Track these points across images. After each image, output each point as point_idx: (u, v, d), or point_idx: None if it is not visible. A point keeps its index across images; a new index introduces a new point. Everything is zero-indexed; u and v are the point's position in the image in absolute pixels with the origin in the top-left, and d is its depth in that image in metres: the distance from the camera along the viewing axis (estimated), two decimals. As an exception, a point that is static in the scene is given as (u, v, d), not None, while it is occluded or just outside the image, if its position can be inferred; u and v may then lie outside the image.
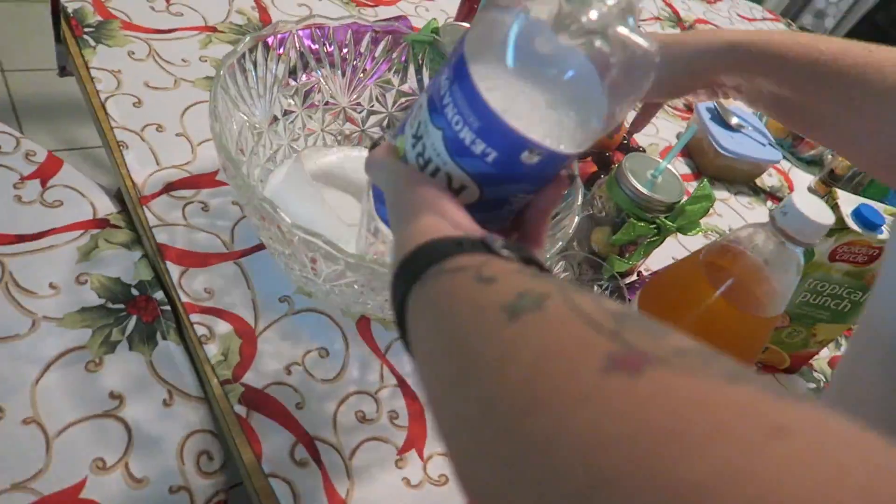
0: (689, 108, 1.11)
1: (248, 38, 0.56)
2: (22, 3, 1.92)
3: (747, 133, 0.98)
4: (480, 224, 0.33)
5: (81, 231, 0.58)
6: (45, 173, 0.61)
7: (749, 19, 1.57)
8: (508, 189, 0.35)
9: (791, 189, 1.05)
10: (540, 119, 0.32)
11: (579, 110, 0.32)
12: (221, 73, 0.52)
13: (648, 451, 0.16)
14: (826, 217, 0.42)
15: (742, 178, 1.00)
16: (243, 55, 0.55)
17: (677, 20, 1.40)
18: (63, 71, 0.86)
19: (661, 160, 0.67)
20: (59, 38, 0.82)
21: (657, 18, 1.37)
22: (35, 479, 0.45)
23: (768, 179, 1.04)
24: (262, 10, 0.87)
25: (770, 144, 0.98)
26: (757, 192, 1.01)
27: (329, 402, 0.54)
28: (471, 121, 0.32)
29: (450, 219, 0.31)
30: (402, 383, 0.57)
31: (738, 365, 0.18)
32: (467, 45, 0.33)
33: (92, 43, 0.72)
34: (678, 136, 1.04)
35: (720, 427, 0.15)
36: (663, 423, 0.16)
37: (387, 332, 0.60)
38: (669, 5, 1.44)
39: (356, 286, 0.48)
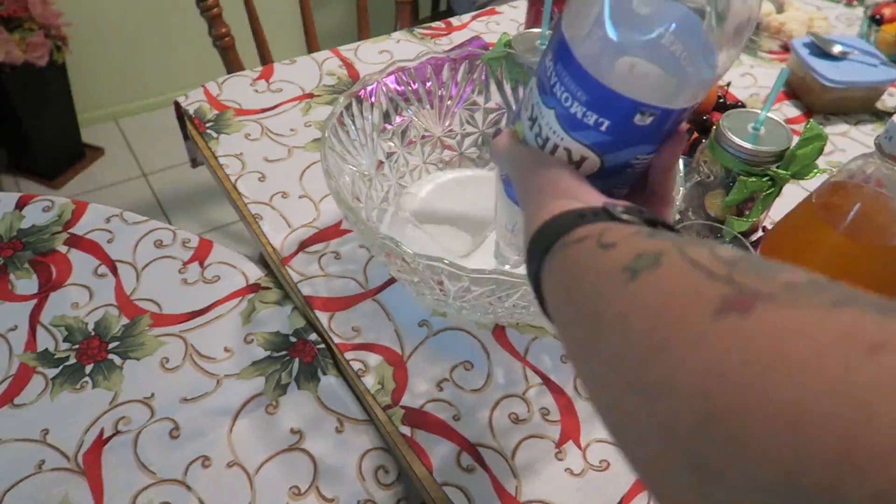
0: (786, 49, 1.06)
1: (341, 98, 0.62)
2: (153, 112, 2.16)
3: (854, 58, 0.93)
4: (607, 191, 0.34)
5: (240, 298, 0.66)
6: (200, 255, 0.70)
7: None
8: (628, 153, 0.36)
9: (920, 104, 0.98)
10: (646, 79, 0.33)
11: (685, 64, 0.33)
12: (326, 134, 0.58)
13: (755, 380, 0.17)
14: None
15: (859, 107, 0.94)
16: (341, 113, 0.61)
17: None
18: (195, 162, 0.98)
19: (760, 111, 0.66)
20: (186, 136, 0.94)
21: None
22: (247, 514, 0.52)
23: (889, 101, 0.97)
24: (349, 66, 0.94)
25: (882, 64, 0.92)
26: (880, 116, 0.95)
27: (482, 409, 0.58)
28: (578, 95, 0.34)
29: (572, 193, 0.33)
30: (545, 381, 0.60)
31: (848, 291, 0.19)
32: (565, 21, 0.35)
33: (214, 135, 0.81)
34: (779, 80, 1.00)
35: (820, 350, 0.17)
36: (768, 354, 0.18)
37: (522, 335, 0.63)
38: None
39: (483, 298, 0.52)
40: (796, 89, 0.95)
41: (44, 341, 0.62)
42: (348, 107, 0.62)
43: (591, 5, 0.34)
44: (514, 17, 1.08)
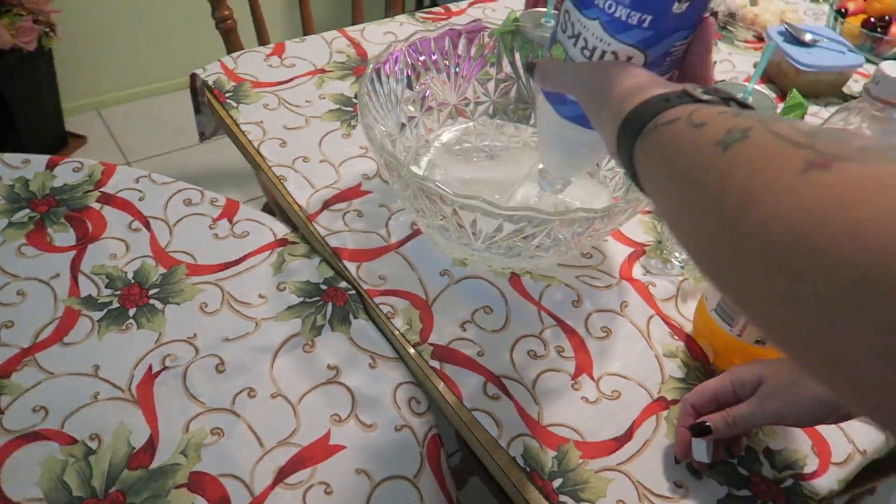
0: (760, 39, 1.14)
1: (370, 65, 0.66)
2: (137, 102, 2.17)
3: (824, 46, 1.01)
4: None
5: (269, 252, 0.70)
6: (229, 213, 0.74)
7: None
8: (668, 43, 0.41)
9: (882, 90, 1.07)
10: None
11: None
12: (362, 95, 0.62)
13: (834, 208, 0.23)
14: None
15: (828, 90, 1.02)
16: (371, 78, 0.66)
17: None
18: (202, 136, 1.01)
19: (747, 84, 0.73)
20: (198, 110, 0.97)
21: None
22: (293, 436, 0.56)
23: (855, 86, 1.06)
24: (356, 45, 0.99)
25: (850, 51, 1.01)
26: (846, 99, 1.03)
27: (503, 347, 0.63)
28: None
29: (646, 82, 0.38)
30: (559, 322, 0.66)
31: None
32: None
33: (234, 104, 0.85)
34: (754, 65, 1.08)
35: (883, 185, 0.22)
36: (846, 192, 0.23)
37: (535, 283, 0.69)
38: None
39: (511, 238, 0.57)
40: (771, 73, 1.03)
41: (86, 288, 0.65)
42: (377, 70, 0.67)
43: None
44: (509, 5, 1.14)
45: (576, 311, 0.67)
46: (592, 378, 0.62)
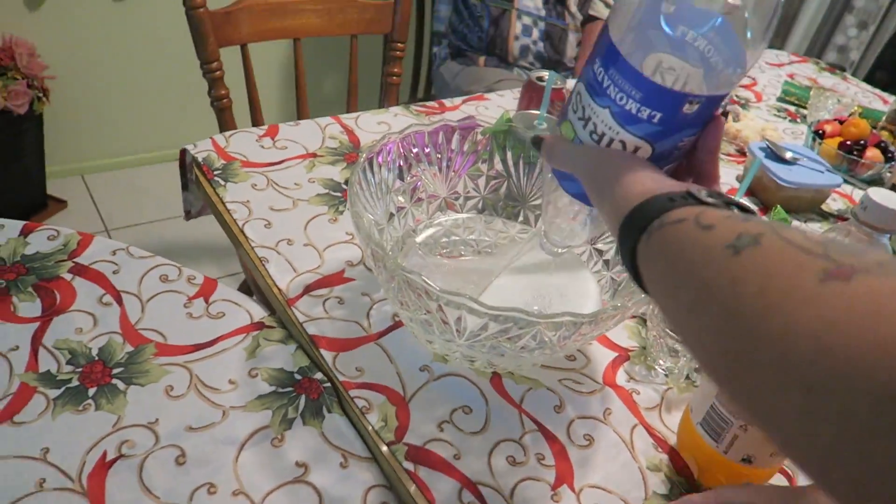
0: (742, 153, 1.18)
1: (364, 154, 0.66)
2: (121, 171, 2.17)
3: (803, 164, 1.04)
4: None
5: (244, 335, 0.68)
6: (205, 292, 0.72)
7: (777, 65, 1.66)
8: (676, 138, 0.41)
9: (858, 210, 1.09)
10: (693, 73, 0.38)
11: (725, 56, 0.38)
12: (353, 183, 0.62)
13: (858, 324, 0.22)
14: (900, 206, 0.48)
15: (807, 207, 1.05)
16: (364, 167, 0.66)
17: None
18: (188, 214, 1.00)
19: (733, 196, 0.74)
20: (185, 187, 0.96)
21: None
22: (253, 541, 0.52)
23: (833, 204, 1.09)
24: (350, 133, 1.00)
25: (828, 170, 1.04)
26: (825, 216, 1.06)
27: (481, 451, 0.60)
28: (633, 94, 0.39)
29: (650, 179, 0.38)
30: (540, 427, 0.63)
31: None
32: (611, 29, 0.41)
33: (222, 182, 0.84)
34: (737, 178, 1.10)
35: None
36: (870, 307, 0.23)
37: (517, 385, 0.67)
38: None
39: (497, 338, 0.56)
40: (753, 187, 1.06)
41: (46, 363, 0.62)
42: (370, 159, 0.67)
43: (633, 11, 0.40)
44: (501, 104, 1.17)
45: (558, 417, 0.65)
46: (573, 489, 0.59)
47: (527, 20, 1.65)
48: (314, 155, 0.93)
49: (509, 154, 0.77)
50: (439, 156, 0.75)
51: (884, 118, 1.34)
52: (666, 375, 0.71)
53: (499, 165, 0.78)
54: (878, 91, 1.63)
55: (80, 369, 0.62)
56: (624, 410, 0.67)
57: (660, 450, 0.64)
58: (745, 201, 0.74)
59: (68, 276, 0.70)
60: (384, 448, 0.59)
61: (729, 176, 1.11)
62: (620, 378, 0.70)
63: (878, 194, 0.48)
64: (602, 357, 0.72)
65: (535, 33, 1.67)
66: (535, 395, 0.66)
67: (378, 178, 0.69)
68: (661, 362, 0.71)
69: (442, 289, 0.52)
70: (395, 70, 1.41)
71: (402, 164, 0.72)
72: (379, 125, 1.04)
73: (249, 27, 1.21)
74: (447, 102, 1.15)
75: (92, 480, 0.54)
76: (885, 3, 2.49)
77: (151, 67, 2.05)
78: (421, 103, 1.13)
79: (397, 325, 0.70)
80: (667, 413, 0.68)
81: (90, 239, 0.75)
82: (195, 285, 0.72)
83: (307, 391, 0.63)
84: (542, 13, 1.64)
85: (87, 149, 2.10)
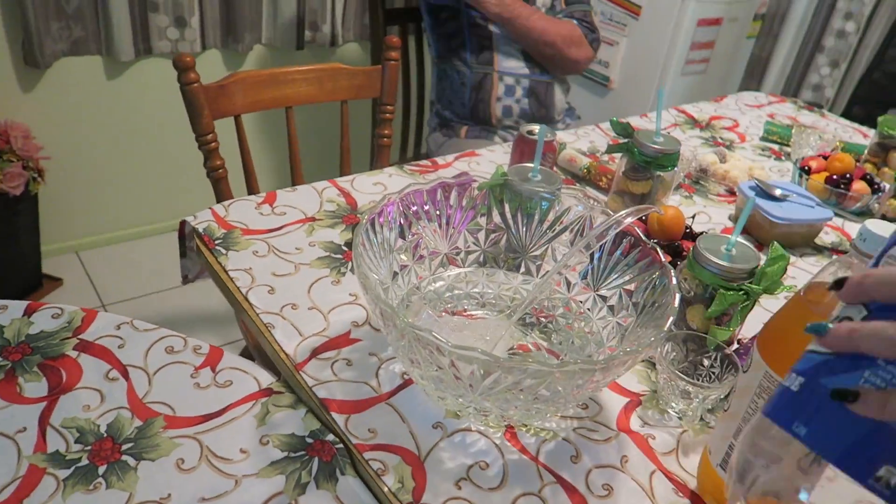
0: (731, 192, 1.20)
1: (365, 216, 0.67)
2: (116, 245, 2.17)
3: (793, 200, 1.06)
4: None
5: (253, 402, 0.67)
6: (212, 361, 0.71)
7: (756, 106, 1.71)
8: None
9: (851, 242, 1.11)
10: None
11: None
12: (357, 244, 0.63)
13: None
14: (898, 235, 0.49)
15: (801, 242, 1.06)
16: (366, 228, 0.67)
17: (693, 122, 1.53)
18: (186, 279, 1.01)
19: (730, 236, 0.75)
20: (183, 254, 0.97)
21: (674, 125, 1.50)
22: None
23: (826, 238, 1.10)
24: (346, 195, 1.01)
25: (818, 205, 1.06)
26: (820, 250, 1.07)
27: (501, 507, 0.59)
28: None
29: None
30: (559, 479, 0.62)
31: None
32: None
33: (223, 251, 0.85)
34: (730, 217, 1.12)
35: None
36: None
37: (531, 437, 0.66)
38: (683, 111, 1.58)
39: (510, 391, 0.56)
40: (747, 226, 1.07)
41: (54, 443, 0.61)
42: (372, 221, 0.68)
43: None
44: (493, 160, 1.20)
45: (575, 467, 0.64)
46: (597, 542, 0.58)
47: (509, 80, 1.69)
48: (313, 219, 0.94)
49: (507, 207, 0.79)
50: (438, 212, 0.76)
51: (866, 151, 1.37)
52: (679, 418, 0.71)
53: (497, 219, 0.79)
54: (856, 126, 1.67)
55: (88, 447, 0.61)
56: (641, 457, 0.66)
57: (680, 494, 0.63)
58: (742, 240, 0.75)
59: (73, 354, 0.70)
60: (402, 510, 0.58)
61: (721, 216, 1.13)
62: (635, 423, 0.70)
63: (875, 225, 0.49)
64: (615, 404, 0.72)
65: (519, 91, 1.70)
66: (551, 446, 0.66)
67: (381, 238, 0.70)
68: (673, 405, 0.71)
69: (454, 344, 0.52)
70: (386, 132, 1.44)
71: (402, 222, 0.73)
72: (375, 186, 1.05)
73: (243, 99, 1.24)
74: (440, 160, 1.17)
75: (106, 563, 0.52)
76: (853, 43, 2.59)
77: (144, 142, 2.08)
78: (414, 163, 1.15)
79: (407, 383, 0.70)
80: (684, 456, 0.67)
81: (94, 315, 0.75)
82: (201, 355, 0.72)
83: (320, 454, 0.62)
84: (525, 70, 1.67)
85: (81, 226, 2.11)
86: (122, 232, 2.18)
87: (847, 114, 1.99)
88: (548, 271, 0.77)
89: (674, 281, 0.64)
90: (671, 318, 0.59)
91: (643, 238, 0.71)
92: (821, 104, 2.17)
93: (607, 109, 2.46)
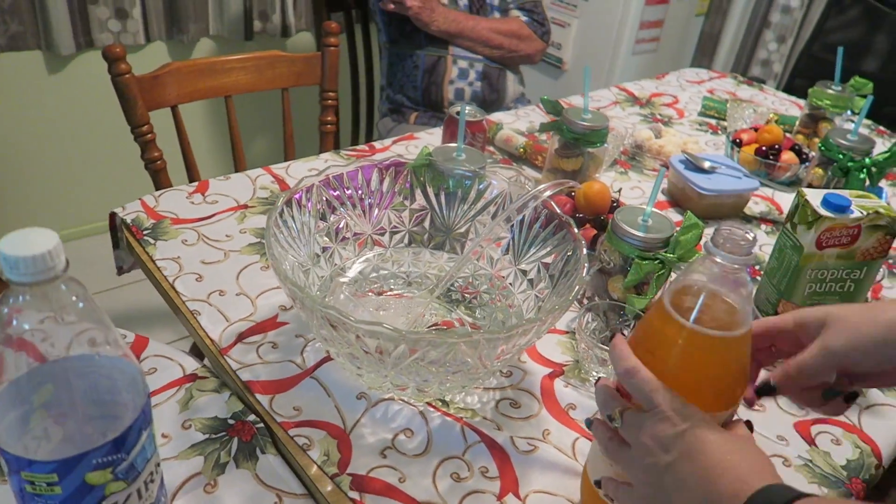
0: (666, 167, 1.23)
1: (282, 197, 0.68)
2: (69, 242, 2.14)
3: (722, 172, 1.09)
4: None
5: (177, 388, 0.68)
6: (137, 350, 0.72)
7: (698, 82, 1.74)
8: None
9: (780, 211, 1.14)
10: None
11: None
12: (270, 225, 0.63)
13: None
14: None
15: (730, 212, 1.09)
16: (282, 210, 0.68)
17: (634, 99, 1.56)
18: (121, 270, 1.00)
19: (646, 207, 0.77)
20: (116, 245, 0.96)
21: (615, 102, 1.52)
22: (190, 592, 0.51)
23: (755, 207, 1.13)
24: (281, 182, 1.02)
25: (745, 176, 1.09)
26: (748, 219, 1.10)
27: (425, 471, 0.61)
28: None
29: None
30: (483, 437, 0.64)
31: None
32: None
33: (151, 241, 0.85)
34: (663, 191, 1.15)
35: None
36: None
37: (452, 410, 0.68)
38: (623, 89, 1.61)
39: (420, 363, 0.57)
40: (677, 198, 1.10)
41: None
42: (289, 203, 0.69)
43: None
44: (430, 142, 1.21)
45: (499, 432, 0.66)
46: (518, 496, 0.60)
47: (463, 63, 1.70)
48: (245, 206, 0.94)
49: (429, 187, 0.80)
50: (361, 194, 0.77)
51: (797, 123, 1.40)
52: (600, 385, 0.73)
53: (421, 199, 0.80)
54: (794, 98, 1.71)
55: (7, 439, 0.61)
56: (563, 429, 0.68)
57: (597, 458, 0.65)
58: (657, 211, 0.77)
59: (-5, 348, 0.69)
60: (328, 487, 0.59)
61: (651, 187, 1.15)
62: (558, 391, 0.71)
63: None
64: (538, 372, 0.74)
65: (472, 74, 1.71)
66: (474, 421, 0.67)
67: (299, 222, 0.70)
68: (594, 373, 0.73)
69: (357, 319, 0.53)
70: (329, 118, 1.44)
71: (322, 205, 0.74)
72: (309, 171, 1.06)
73: (178, 89, 1.23)
74: (377, 144, 1.17)
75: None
76: (798, 18, 2.63)
77: (88, 137, 2.05)
78: (352, 147, 1.15)
79: (331, 357, 0.71)
80: (602, 421, 0.69)
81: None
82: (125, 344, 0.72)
83: (240, 434, 0.63)
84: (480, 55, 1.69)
85: (21, 223, 2.06)
86: (72, 230, 2.15)
87: (789, 87, 2.03)
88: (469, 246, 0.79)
89: (584, 252, 0.66)
90: (577, 288, 0.61)
91: (558, 212, 0.73)
92: (763, 80, 2.22)
93: (561, 91, 2.48)
